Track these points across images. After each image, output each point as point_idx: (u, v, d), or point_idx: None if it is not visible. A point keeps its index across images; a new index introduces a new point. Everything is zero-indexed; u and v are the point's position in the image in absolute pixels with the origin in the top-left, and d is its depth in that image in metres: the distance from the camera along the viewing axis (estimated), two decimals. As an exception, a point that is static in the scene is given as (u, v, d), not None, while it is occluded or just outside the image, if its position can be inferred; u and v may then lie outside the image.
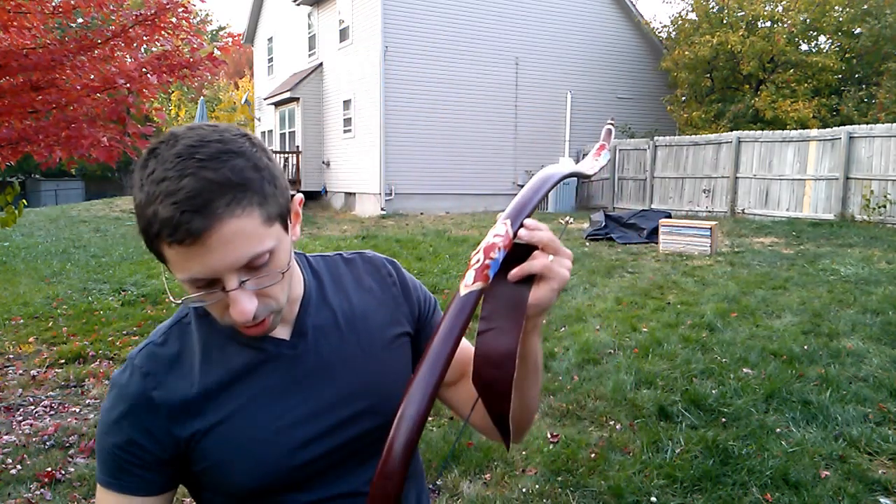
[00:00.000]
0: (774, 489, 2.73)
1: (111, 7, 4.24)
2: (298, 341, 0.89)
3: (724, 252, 8.53)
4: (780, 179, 12.00)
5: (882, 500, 2.65)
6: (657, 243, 9.06)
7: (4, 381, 4.35)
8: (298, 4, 18.22)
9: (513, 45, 15.97)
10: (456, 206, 15.46)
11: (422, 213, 14.88)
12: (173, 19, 4.18)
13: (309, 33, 18.56)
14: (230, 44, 4.69)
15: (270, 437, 0.85)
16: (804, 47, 16.28)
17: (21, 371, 4.57)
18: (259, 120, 22.65)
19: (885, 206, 10.25)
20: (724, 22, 16.22)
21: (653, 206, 13.93)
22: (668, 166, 14.24)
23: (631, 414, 3.54)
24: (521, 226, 0.74)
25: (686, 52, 15.89)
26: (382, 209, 14.83)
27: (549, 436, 3.30)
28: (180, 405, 0.84)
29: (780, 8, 15.57)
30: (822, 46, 16.45)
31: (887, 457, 2.97)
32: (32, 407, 3.91)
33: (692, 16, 16.93)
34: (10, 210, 4.25)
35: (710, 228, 8.44)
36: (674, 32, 17.32)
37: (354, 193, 16.32)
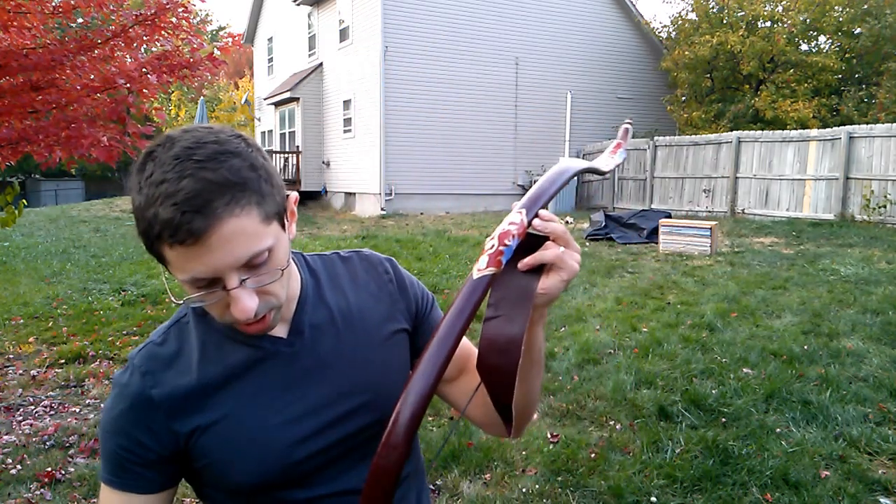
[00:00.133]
0: (774, 489, 2.73)
1: (111, 7, 4.24)
2: (295, 339, 0.90)
3: (724, 252, 8.53)
4: (780, 179, 12.00)
5: (882, 500, 2.65)
6: (657, 243, 9.06)
7: (4, 381, 4.35)
8: (298, 4, 18.22)
9: (513, 45, 15.97)
10: (456, 206, 15.46)
11: (422, 213, 14.88)
12: (173, 19, 4.18)
13: (309, 33, 18.56)
14: (230, 44, 4.69)
15: (268, 433, 0.86)
16: (804, 47, 16.28)
17: (21, 371, 4.57)
18: (259, 120, 22.65)
19: (885, 206, 10.25)
20: (724, 22, 16.22)
21: (653, 206, 13.93)
22: (668, 166, 14.24)
23: (631, 414, 3.54)
24: (536, 216, 0.76)
25: (686, 52, 15.89)
26: (382, 209, 14.83)
27: (549, 436, 3.30)
28: (179, 402, 0.85)
29: (780, 8, 15.57)
30: (822, 46, 16.45)
31: (887, 457, 2.97)
32: (32, 407, 3.91)
33: (692, 16, 16.93)
34: (10, 210, 4.25)
35: (710, 228, 8.44)
36: (674, 32, 17.32)
37: (354, 193, 16.32)
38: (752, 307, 5.58)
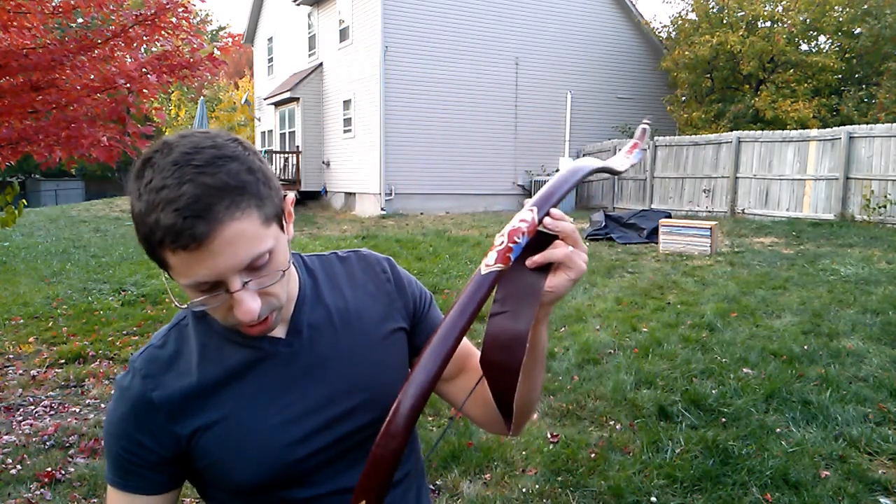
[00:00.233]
0: (774, 489, 2.73)
1: (111, 7, 4.24)
2: (294, 339, 0.91)
3: (724, 252, 8.53)
4: (780, 179, 12.00)
5: (882, 500, 2.65)
6: (657, 243, 9.06)
7: (4, 381, 4.35)
8: (298, 4, 18.22)
9: (513, 45, 15.97)
10: (456, 206, 15.46)
11: (422, 213, 14.88)
12: (173, 19, 4.17)
13: (309, 33, 18.56)
14: (230, 44, 4.69)
15: (268, 433, 0.87)
16: (804, 47, 16.29)
17: (21, 371, 4.57)
18: (259, 120, 22.65)
19: (885, 206, 10.25)
20: (724, 22, 16.22)
21: (653, 206, 13.93)
22: (668, 166, 14.24)
23: (631, 414, 3.54)
24: (547, 214, 0.76)
25: (686, 52, 15.89)
26: (382, 209, 14.83)
27: (549, 436, 3.30)
28: (180, 404, 0.86)
29: (780, 8, 15.57)
30: (822, 46, 16.45)
31: (887, 457, 2.97)
32: (32, 407, 3.91)
33: (692, 16, 16.94)
34: (9, 210, 4.25)
35: (710, 228, 8.44)
36: (674, 32, 17.32)
37: (354, 193, 16.32)
38: (752, 307, 5.58)
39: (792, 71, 15.30)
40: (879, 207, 10.30)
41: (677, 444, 3.13)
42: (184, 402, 0.86)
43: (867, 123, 12.12)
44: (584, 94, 16.96)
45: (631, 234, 10.03)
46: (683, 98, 17.15)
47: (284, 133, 18.99)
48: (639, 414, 3.53)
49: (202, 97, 16.51)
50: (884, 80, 13.97)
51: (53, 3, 4.05)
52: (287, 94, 17.68)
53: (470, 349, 1.02)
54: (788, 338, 4.66)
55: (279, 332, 0.91)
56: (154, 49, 4.48)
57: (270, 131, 20.74)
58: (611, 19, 17.41)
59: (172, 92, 27.91)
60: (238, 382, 0.88)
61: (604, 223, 10.35)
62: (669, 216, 10.40)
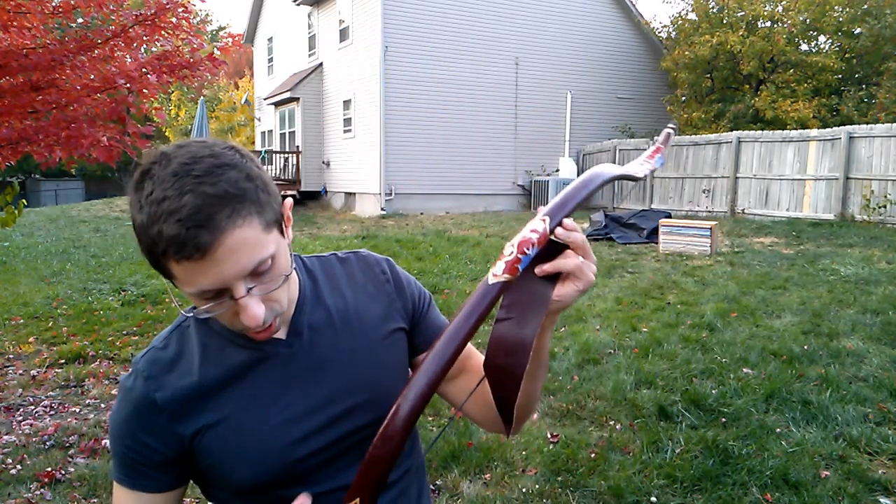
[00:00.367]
0: (774, 489, 2.73)
1: (111, 7, 4.24)
2: (294, 340, 0.92)
3: (724, 252, 8.53)
4: (780, 179, 12.00)
5: (882, 500, 2.65)
6: (657, 243, 9.06)
7: (4, 381, 4.35)
8: (298, 4, 18.22)
9: (513, 45, 15.97)
10: (456, 206, 15.46)
11: (422, 213, 14.88)
12: (173, 19, 4.17)
13: (309, 33, 18.56)
14: (230, 44, 4.69)
15: (269, 432, 0.88)
16: (804, 47, 16.28)
17: (21, 371, 4.57)
18: (259, 120, 22.65)
19: (885, 206, 10.25)
20: (724, 22, 16.22)
21: (653, 206, 13.93)
22: (668, 166, 14.23)
23: (631, 414, 3.54)
24: (560, 223, 0.76)
25: (686, 52, 15.89)
26: (382, 209, 14.83)
27: (549, 436, 3.30)
28: (182, 404, 0.88)
29: (780, 8, 15.57)
30: (822, 46, 16.45)
31: (887, 457, 2.97)
32: (32, 407, 3.91)
33: (692, 16, 16.93)
34: (9, 210, 4.25)
35: (710, 228, 8.44)
36: (674, 32, 17.31)
37: (354, 193, 16.32)
38: (752, 307, 5.58)
39: (792, 71, 15.30)
40: (879, 207, 10.30)
41: (677, 444, 3.13)
42: (186, 402, 0.87)
43: (867, 123, 12.12)
44: (584, 94, 16.96)
45: (631, 234, 10.03)
46: (683, 98, 17.14)
47: (284, 133, 18.99)
48: (639, 414, 3.53)
49: (202, 97, 16.49)
50: (884, 80, 13.96)
51: (53, 3, 4.05)
52: (287, 94, 17.68)
53: (470, 349, 1.02)
54: (788, 338, 4.66)
55: (280, 332, 0.92)
56: (154, 49, 4.49)
57: (270, 131, 20.74)
58: (611, 19, 17.41)
59: (172, 92, 27.91)
60: (239, 383, 0.89)
61: (604, 223, 10.35)
62: (669, 216, 10.40)
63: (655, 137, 14.74)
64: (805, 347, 4.45)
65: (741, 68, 15.82)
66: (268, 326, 0.84)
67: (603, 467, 2.96)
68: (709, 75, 16.74)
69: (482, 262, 8.16)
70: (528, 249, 0.74)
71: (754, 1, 15.46)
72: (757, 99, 15.27)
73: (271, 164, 17.93)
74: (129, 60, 4.35)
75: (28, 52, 3.80)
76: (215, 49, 4.52)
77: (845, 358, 4.21)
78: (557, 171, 16.09)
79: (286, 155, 17.88)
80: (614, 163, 13.80)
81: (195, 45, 4.34)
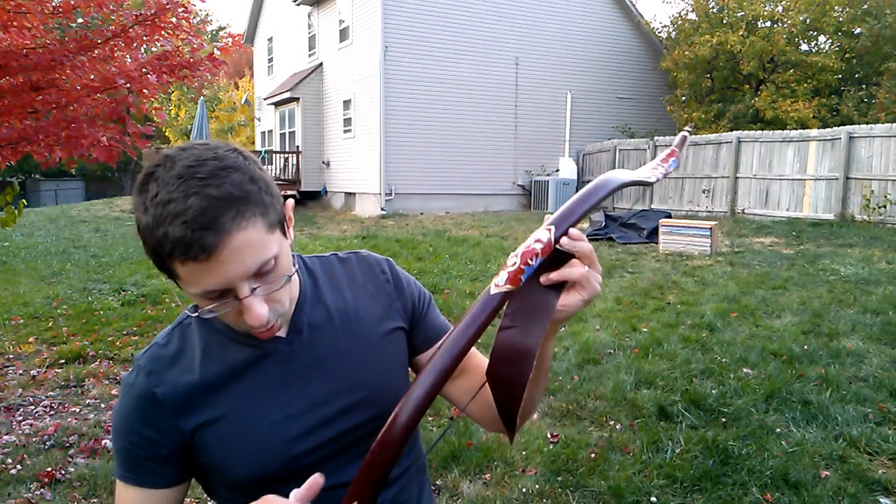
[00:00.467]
0: (774, 489, 2.73)
1: (111, 7, 4.24)
2: (294, 338, 0.94)
3: (724, 252, 8.53)
4: (780, 179, 12.00)
5: (882, 500, 2.65)
6: (657, 243, 9.06)
7: (4, 381, 4.35)
8: (298, 4, 18.22)
9: (513, 45, 15.97)
10: (456, 206, 15.46)
11: (422, 213, 14.88)
12: (173, 19, 4.17)
13: (309, 33, 18.56)
14: (230, 44, 4.69)
15: (268, 429, 0.90)
16: (804, 47, 16.28)
17: (21, 371, 4.57)
18: (259, 120, 22.64)
19: (885, 206, 10.24)
20: (724, 22, 16.21)
21: (653, 206, 13.93)
22: (668, 166, 14.22)
23: (631, 414, 3.54)
24: (565, 233, 0.75)
25: (686, 52, 15.89)
26: (382, 209, 14.83)
27: (549, 436, 3.30)
28: (183, 400, 0.89)
29: (780, 8, 15.57)
30: (822, 46, 16.44)
31: (887, 457, 2.97)
32: (32, 407, 3.91)
33: (692, 16, 16.93)
34: (9, 210, 4.25)
35: (710, 228, 8.44)
36: (674, 32, 17.31)
37: (354, 193, 16.32)
38: (752, 307, 5.58)
39: (792, 71, 15.29)
40: (879, 207, 10.30)
41: (677, 444, 3.14)
42: (187, 398, 0.89)
43: (867, 123, 12.12)
44: (584, 94, 16.96)
45: (631, 234, 10.03)
46: (683, 98, 17.14)
47: (284, 133, 18.98)
48: (639, 414, 3.53)
49: (202, 97, 16.48)
50: (884, 80, 13.96)
51: (53, 3, 4.05)
52: (287, 94, 17.68)
53: (471, 350, 1.03)
54: (788, 338, 4.66)
55: (280, 331, 0.93)
56: (154, 49, 4.49)
57: (270, 131, 20.74)
58: (611, 19, 17.41)
59: (172, 92, 27.89)
60: (239, 380, 0.91)
61: (604, 223, 10.35)
62: (669, 216, 10.40)
63: (656, 137, 14.76)
64: (805, 347, 4.45)
65: (741, 68, 15.82)
66: (270, 326, 0.85)
67: (603, 467, 2.96)
68: (709, 75, 16.74)
69: (482, 262, 8.16)
70: (531, 260, 0.73)
71: (754, 1, 15.45)
72: (757, 99, 15.26)
73: (271, 164, 17.93)
74: (129, 60, 4.35)
75: (28, 52, 3.80)
76: (215, 49, 4.52)
77: (845, 358, 4.21)
78: (557, 171, 16.09)
79: (286, 155, 17.88)
80: (614, 163, 13.68)
81: (195, 46, 4.34)
